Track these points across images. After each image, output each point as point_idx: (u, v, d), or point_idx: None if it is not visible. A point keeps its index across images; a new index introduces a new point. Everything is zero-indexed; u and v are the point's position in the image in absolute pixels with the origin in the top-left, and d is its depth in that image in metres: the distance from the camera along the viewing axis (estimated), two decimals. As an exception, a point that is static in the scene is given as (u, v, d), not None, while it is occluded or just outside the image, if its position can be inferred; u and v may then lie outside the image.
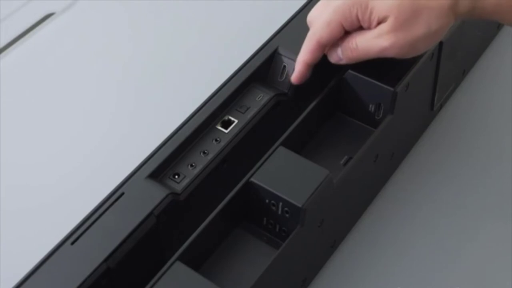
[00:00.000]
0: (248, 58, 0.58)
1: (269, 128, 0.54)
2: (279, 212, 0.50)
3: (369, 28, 0.51)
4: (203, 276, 0.45)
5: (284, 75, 0.57)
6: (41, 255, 0.46)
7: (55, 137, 0.68)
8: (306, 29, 0.54)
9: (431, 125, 0.66)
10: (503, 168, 0.63)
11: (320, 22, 0.52)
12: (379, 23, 0.51)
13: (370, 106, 0.56)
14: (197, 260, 0.49)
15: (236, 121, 0.54)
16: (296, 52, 0.55)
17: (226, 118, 0.54)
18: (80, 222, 0.48)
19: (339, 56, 0.53)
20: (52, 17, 0.80)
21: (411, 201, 0.61)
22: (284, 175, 0.49)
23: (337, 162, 0.56)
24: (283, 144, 0.51)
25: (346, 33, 0.53)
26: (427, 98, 0.63)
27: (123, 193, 0.49)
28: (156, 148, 0.52)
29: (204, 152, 0.52)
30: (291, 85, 0.55)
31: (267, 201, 0.50)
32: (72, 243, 0.46)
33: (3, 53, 0.76)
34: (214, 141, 0.53)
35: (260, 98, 0.55)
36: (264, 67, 0.58)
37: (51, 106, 0.71)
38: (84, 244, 0.46)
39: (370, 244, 0.58)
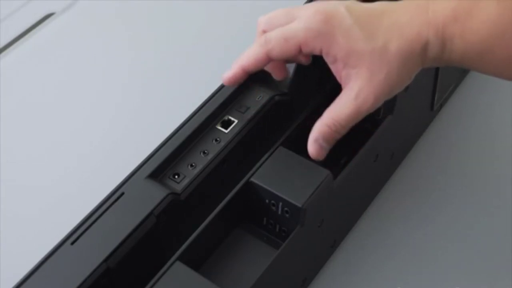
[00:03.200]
0: (248, 58, 0.58)
1: (269, 128, 0.54)
2: (279, 212, 0.49)
3: (334, 62, 0.48)
4: (203, 276, 0.45)
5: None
6: (41, 255, 0.46)
7: (55, 137, 0.68)
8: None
9: (431, 125, 0.66)
10: (503, 168, 0.63)
11: (278, 33, 0.49)
12: (345, 66, 0.48)
13: (370, 106, 0.56)
14: (197, 260, 0.49)
15: (236, 121, 0.53)
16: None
17: (226, 118, 0.54)
18: (80, 222, 0.48)
19: (324, 147, 0.49)
20: (52, 17, 0.80)
21: (411, 201, 0.61)
22: (284, 175, 0.49)
23: (337, 162, 0.56)
24: (283, 144, 0.51)
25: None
26: (427, 98, 0.63)
27: (123, 193, 0.49)
28: (156, 148, 0.52)
29: (204, 152, 0.52)
30: (291, 85, 0.55)
31: (267, 201, 0.50)
32: (72, 243, 0.46)
33: (3, 53, 0.76)
34: (214, 141, 0.52)
35: (260, 98, 0.55)
36: (264, 67, 0.57)
37: (51, 106, 0.71)
38: (84, 244, 0.46)
39: (370, 244, 0.58)
